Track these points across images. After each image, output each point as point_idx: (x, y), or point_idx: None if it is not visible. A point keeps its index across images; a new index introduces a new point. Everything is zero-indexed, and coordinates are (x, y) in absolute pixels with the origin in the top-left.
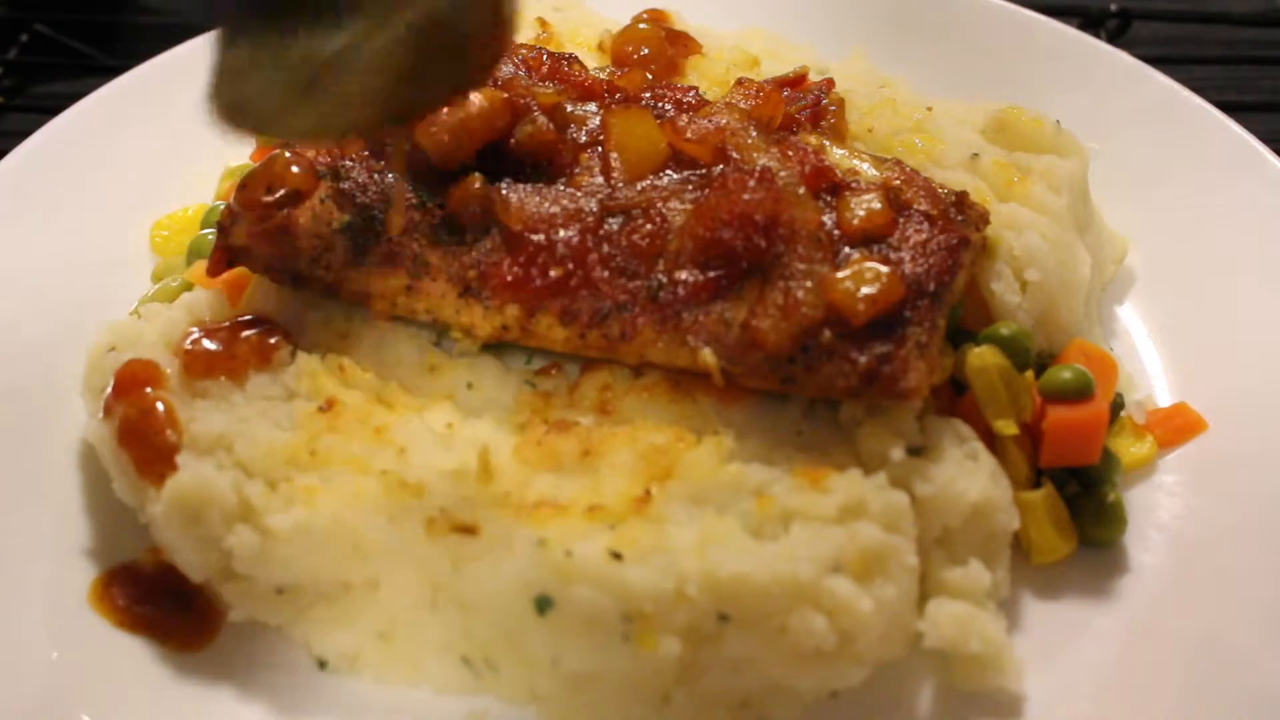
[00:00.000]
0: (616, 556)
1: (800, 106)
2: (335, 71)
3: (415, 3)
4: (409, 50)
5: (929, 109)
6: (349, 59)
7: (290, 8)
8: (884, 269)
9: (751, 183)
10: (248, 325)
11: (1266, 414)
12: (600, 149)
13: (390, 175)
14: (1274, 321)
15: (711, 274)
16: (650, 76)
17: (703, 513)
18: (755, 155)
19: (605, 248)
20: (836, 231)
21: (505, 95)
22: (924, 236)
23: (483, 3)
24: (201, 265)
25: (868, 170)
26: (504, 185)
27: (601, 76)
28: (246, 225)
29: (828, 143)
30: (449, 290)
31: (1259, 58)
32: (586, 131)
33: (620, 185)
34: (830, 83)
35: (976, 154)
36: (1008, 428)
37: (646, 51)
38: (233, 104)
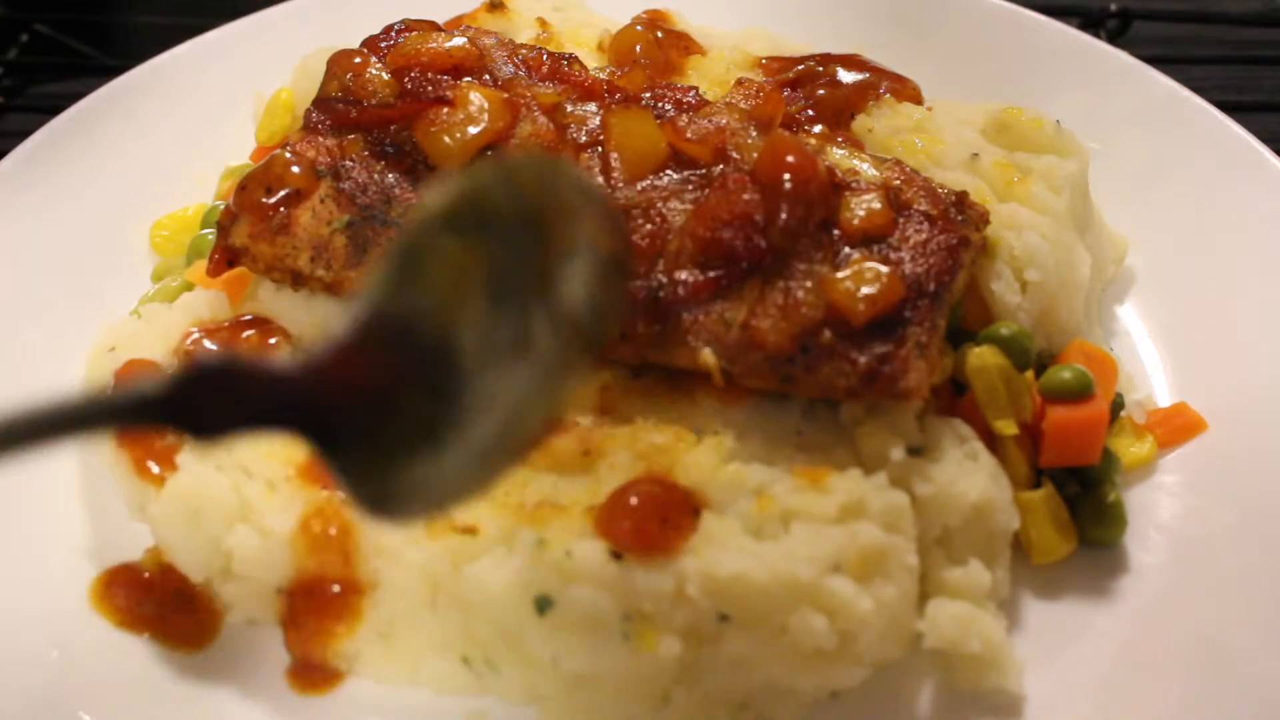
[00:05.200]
0: (616, 556)
1: (800, 107)
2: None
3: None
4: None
5: (929, 109)
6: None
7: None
8: (884, 269)
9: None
10: (248, 325)
11: (1266, 414)
12: (600, 149)
13: (390, 175)
14: (1274, 322)
15: (711, 274)
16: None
17: (702, 512)
18: (755, 155)
19: None
20: (836, 231)
21: (505, 95)
22: (924, 236)
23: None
24: (201, 265)
25: (868, 170)
26: None
27: (601, 76)
28: (246, 225)
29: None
30: None
31: (1259, 58)
32: (586, 131)
33: (620, 185)
34: None
35: (976, 154)
36: (1008, 428)
37: (639, 49)
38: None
